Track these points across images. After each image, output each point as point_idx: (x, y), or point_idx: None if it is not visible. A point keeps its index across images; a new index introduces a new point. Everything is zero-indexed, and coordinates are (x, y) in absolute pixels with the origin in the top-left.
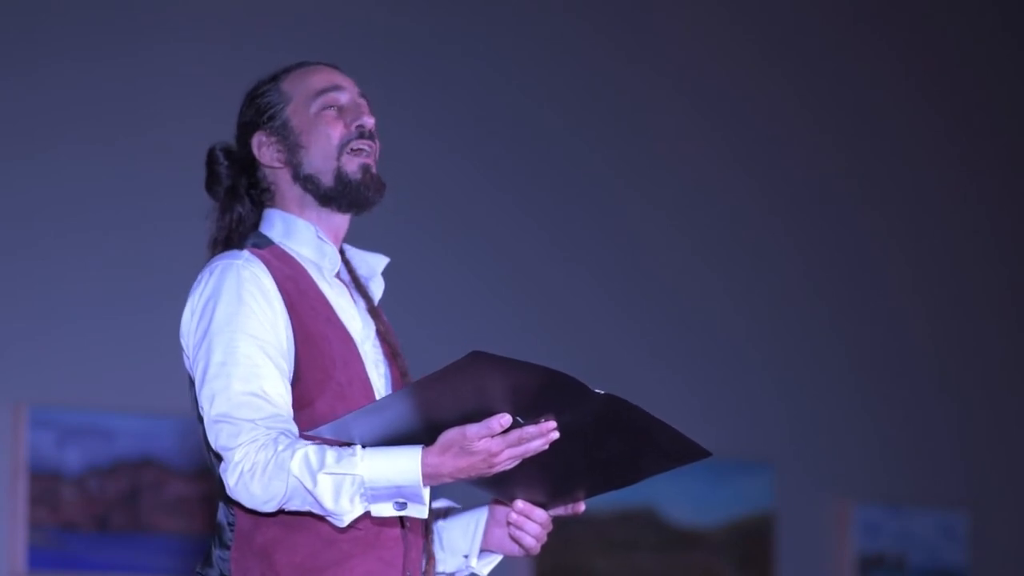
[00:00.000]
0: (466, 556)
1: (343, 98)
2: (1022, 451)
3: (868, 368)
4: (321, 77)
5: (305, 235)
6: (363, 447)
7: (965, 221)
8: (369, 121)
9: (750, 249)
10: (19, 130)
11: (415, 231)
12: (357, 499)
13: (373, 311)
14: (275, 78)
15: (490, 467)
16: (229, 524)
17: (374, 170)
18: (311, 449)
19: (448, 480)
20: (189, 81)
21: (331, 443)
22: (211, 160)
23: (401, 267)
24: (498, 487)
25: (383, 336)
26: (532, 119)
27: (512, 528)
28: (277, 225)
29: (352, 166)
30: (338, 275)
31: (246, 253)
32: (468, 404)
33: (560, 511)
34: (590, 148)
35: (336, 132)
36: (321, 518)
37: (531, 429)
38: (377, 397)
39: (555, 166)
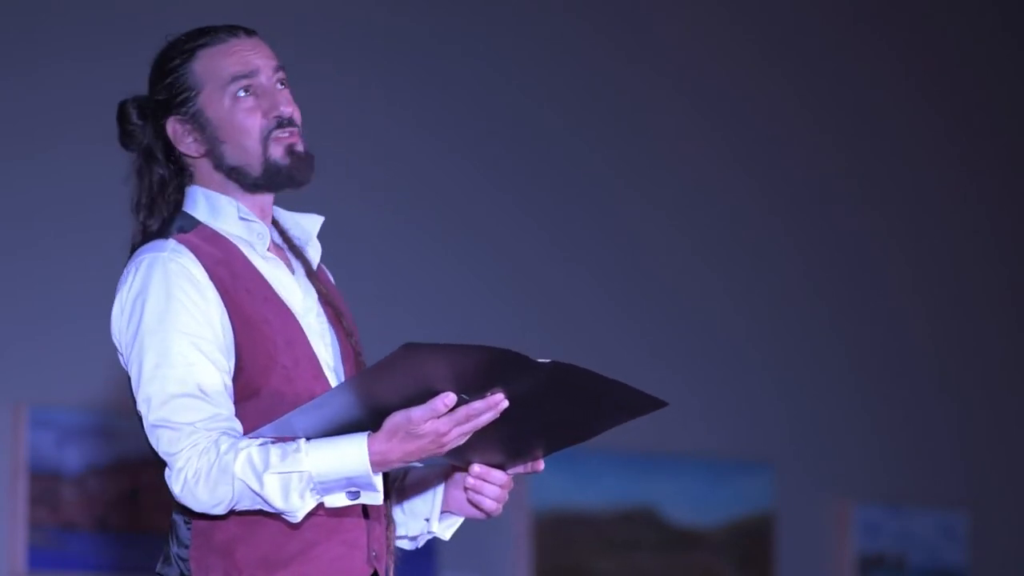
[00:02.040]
0: (427, 519)
1: (257, 82)
2: (1022, 451)
3: (868, 368)
4: (234, 60)
5: (229, 213)
6: (307, 440)
7: (965, 221)
8: (287, 110)
9: (750, 249)
10: (19, 130)
11: (414, 231)
12: (308, 494)
13: (312, 276)
14: (188, 52)
15: (440, 447)
16: (186, 522)
17: (299, 147)
18: (254, 449)
19: (399, 465)
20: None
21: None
22: (123, 118)
23: (401, 267)
24: (453, 455)
25: (326, 300)
26: (532, 119)
27: (470, 492)
28: (200, 203)
29: (278, 152)
30: (272, 247)
31: (172, 243)
32: (410, 388)
33: (520, 470)
34: (589, 148)
35: (254, 125)
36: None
37: (478, 404)
38: (326, 372)
39: (555, 166)
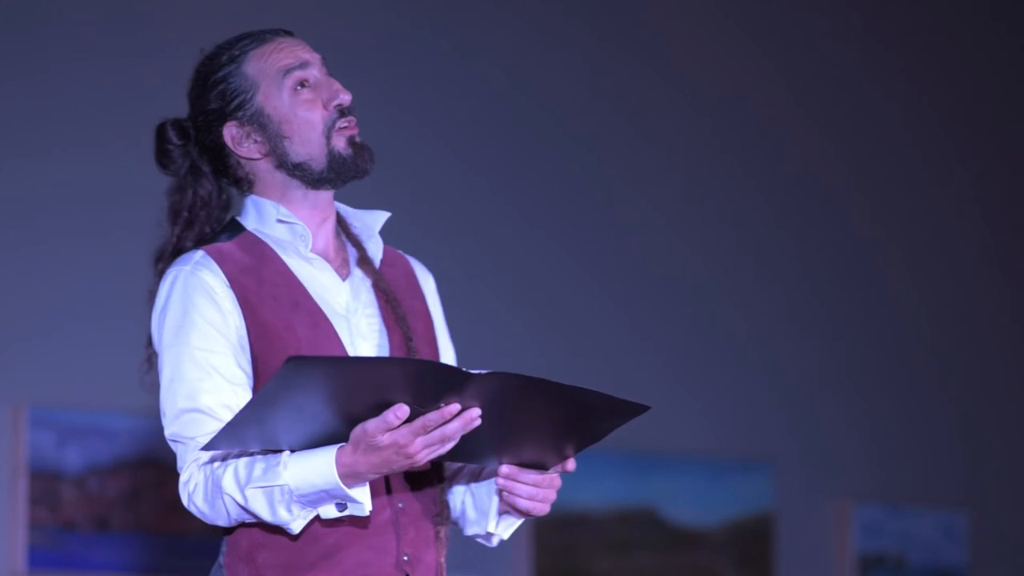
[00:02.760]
0: (486, 519)
1: (311, 75)
2: (1022, 451)
3: (868, 368)
4: (284, 54)
5: (271, 216)
6: (291, 452)
7: (964, 222)
8: (346, 98)
9: (750, 249)
10: (20, 130)
11: (414, 231)
12: (294, 507)
13: (370, 268)
14: (234, 58)
15: (407, 458)
16: (225, 531)
17: (358, 137)
18: (241, 463)
19: (372, 476)
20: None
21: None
22: (162, 138)
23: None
24: (477, 459)
25: (387, 300)
26: (532, 120)
27: (505, 493)
28: (250, 210)
29: (340, 143)
30: (324, 246)
31: (198, 254)
32: (370, 399)
33: (558, 468)
34: (588, 149)
35: (317, 117)
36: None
37: (432, 416)
38: None
39: (554, 167)
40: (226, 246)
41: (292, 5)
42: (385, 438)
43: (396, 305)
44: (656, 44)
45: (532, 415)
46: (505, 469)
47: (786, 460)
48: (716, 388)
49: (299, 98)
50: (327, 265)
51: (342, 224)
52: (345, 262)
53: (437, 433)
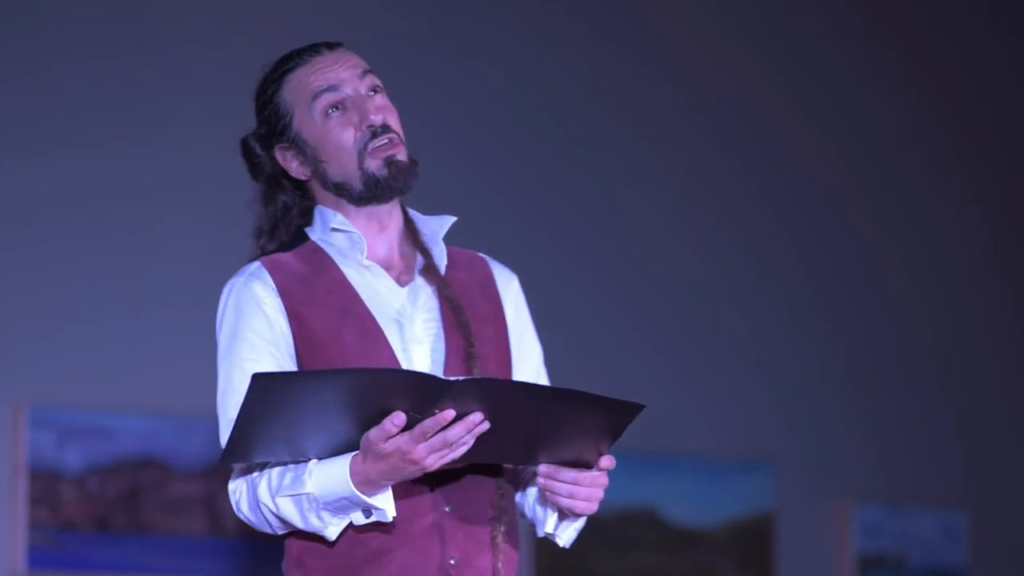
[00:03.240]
0: (543, 523)
1: (342, 95)
2: (1022, 451)
3: (868, 368)
4: (315, 77)
5: (329, 225)
6: (318, 460)
7: (964, 222)
8: (376, 119)
9: (750, 249)
10: (20, 130)
11: None
12: (324, 514)
13: (430, 272)
14: (275, 82)
15: (414, 464)
16: (281, 537)
17: (400, 157)
18: (274, 472)
19: (385, 483)
20: (190, 83)
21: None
22: (247, 152)
23: None
24: (516, 460)
25: (450, 306)
26: (532, 120)
27: (547, 492)
28: (316, 220)
29: (375, 164)
30: (383, 254)
31: (253, 265)
32: (373, 407)
33: (604, 464)
34: (588, 149)
35: (348, 139)
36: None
37: (428, 423)
38: None
39: (555, 168)
40: (284, 256)
41: (292, 5)
42: (387, 445)
43: (459, 311)
44: (656, 44)
45: (543, 418)
46: (544, 468)
47: (786, 460)
48: (716, 388)
49: (329, 122)
50: (383, 272)
51: (411, 230)
52: (409, 268)
53: (439, 438)
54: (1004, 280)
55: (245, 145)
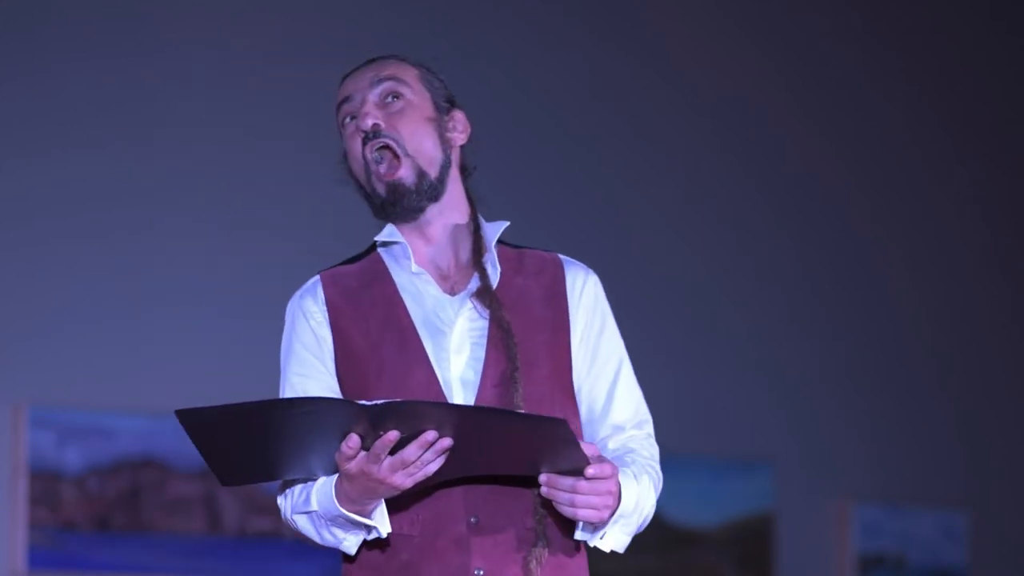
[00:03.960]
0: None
1: (353, 107)
2: (1022, 451)
3: (868, 368)
4: (344, 88)
5: (379, 238)
6: (326, 476)
7: (964, 222)
8: (365, 123)
9: (750, 249)
10: (20, 131)
11: None
12: (336, 530)
13: (483, 294)
14: (336, 99)
15: (381, 483)
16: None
17: (401, 177)
18: (296, 490)
19: (366, 501)
20: (190, 83)
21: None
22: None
23: None
24: (509, 471)
25: (496, 317)
26: (532, 120)
27: (553, 503)
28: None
29: (379, 188)
30: (432, 262)
31: (311, 281)
32: (333, 431)
33: (589, 472)
34: (588, 149)
35: (356, 147)
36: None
37: (377, 444)
38: (445, 389)
39: (555, 168)
40: (345, 268)
41: (292, 5)
42: (351, 467)
43: (505, 325)
44: (656, 44)
45: (491, 433)
46: (544, 477)
47: (786, 460)
48: (716, 388)
49: (346, 133)
50: (431, 280)
51: (477, 239)
52: (465, 278)
53: (396, 458)
54: (1004, 280)
55: None
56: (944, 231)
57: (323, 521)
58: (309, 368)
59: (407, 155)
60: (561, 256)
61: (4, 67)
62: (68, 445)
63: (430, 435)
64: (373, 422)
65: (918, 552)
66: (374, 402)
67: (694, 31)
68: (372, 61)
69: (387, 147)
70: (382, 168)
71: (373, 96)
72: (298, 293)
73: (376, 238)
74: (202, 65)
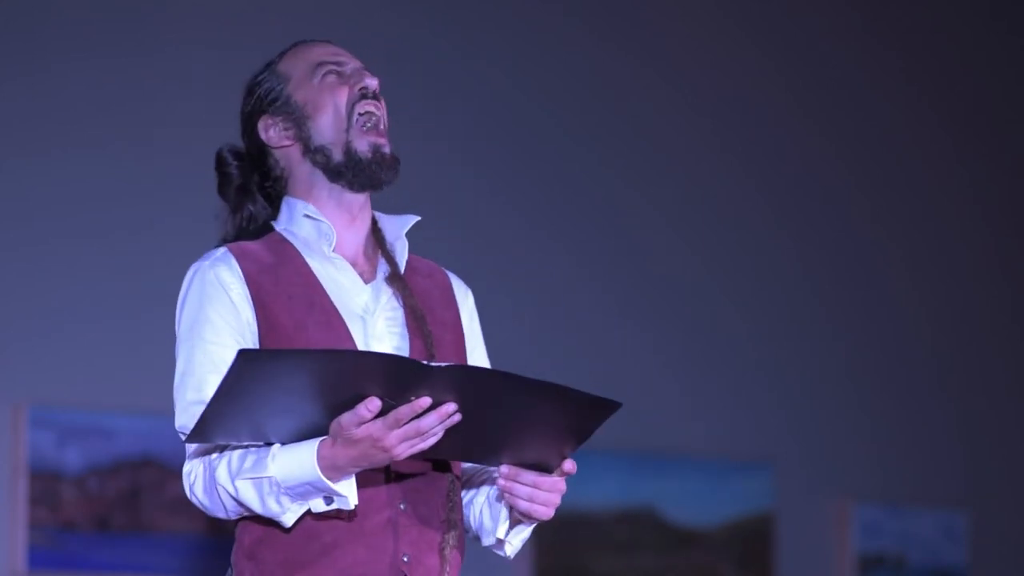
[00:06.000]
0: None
1: (345, 68)
2: (1022, 451)
3: (868, 368)
4: (320, 51)
5: (299, 214)
6: (281, 445)
7: (964, 222)
8: (372, 82)
9: (750, 249)
10: (20, 130)
11: (413, 232)
12: (283, 499)
13: (397, 279)
14: (269, 64)
15: (384, 451)
16: (234, 530)
17: (386, 149)
18: (235, 455)
19: (352, 469)
20: (190, 84)
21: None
22: (220, 163)
23: None
24: (476, 458)
25: (409, 304)
26: (532, 120)
27: (505, 495)
28: (283, 211)
29: (362, 144)
30: (350, 249)
31: (219, 251)
32: (346, 392)
33: (559, 471)
34: (588, 149)
35: (341, 97)
36: (303, 515)
37: (403, 410)
38: None
39: (556, 168)
40: (251, 245)
41: (292, 5)
42: (359, 431)
43: (421, 317)
44: (656, 44)
45: (516, 412)
46: (505, 469)
47: (786, 460)
48: (716, 388)
49: (325, 81)
50: (348, 266)
51: (378, 235)
52: (373, 269)
53: (412, 426)
54: (1004, 280)
55: (219, 158)
56: (944, 231)
57: (278, 488)
58: (224, 338)
59: (387, 136)
60: (442, 267)
61: (4, 67)
62: (68, 445)
63: (451, 406)
64: (410, 385)
65: (918, 552)
66: (438, 364)
67: (694, 31)
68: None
69: (377, 118)
70: (376, 135)
71: (370, 78)
72: (205, 262)
73: (305, 212)
74: (202, 65)
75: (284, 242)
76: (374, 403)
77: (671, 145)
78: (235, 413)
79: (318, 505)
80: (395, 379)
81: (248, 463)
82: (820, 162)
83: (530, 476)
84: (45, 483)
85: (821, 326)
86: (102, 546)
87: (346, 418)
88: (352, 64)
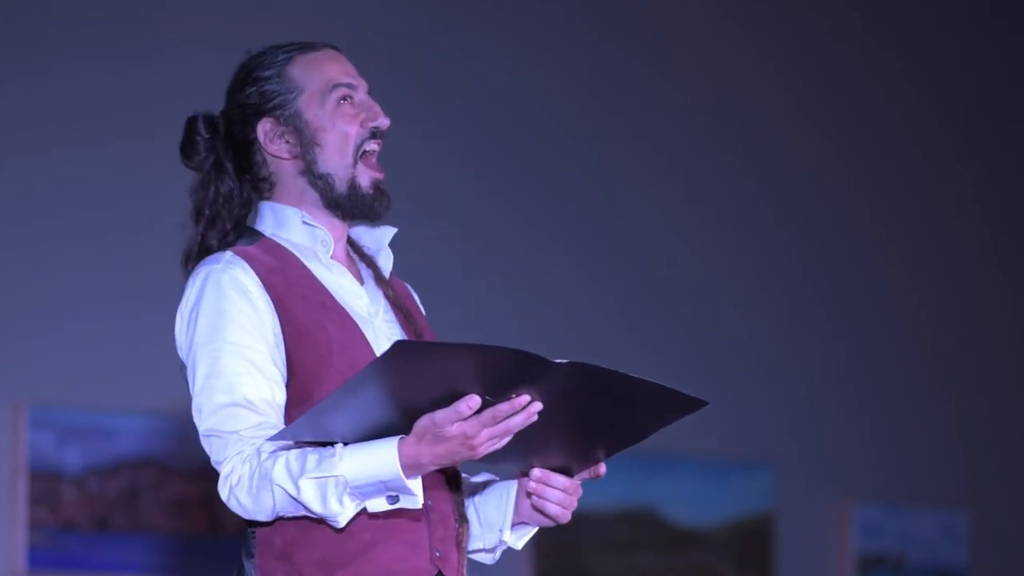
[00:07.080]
0: (500, 530)
1: (357, 95)
2: (1022, 451)
3: (868, 368)
4: (336, 68)
5: (293, 221)
6: (344, 444)
7: (964, 222)
8: (385, 123)
9: (750, 249)
10: (20, 130)
11: (413, 232)
12: (346, 499)
13: (382, 283)
14: (279, 60)
15: (471, 449)
16: (251, 532)
17: (383, 184)
18: (292, 455)
19: (432, 468)
20: (190, 83)
21: (315, 446)
22: (191, 129)
23: (403, 271)
24: (512, 459)
25: (396, 305)
26: (532, 120)
27: (534, 498)
28: (267, 216)
29: (365, 180)
30: (341, 257)
31: (228, 254)
32: (437, 390)
33: (585, 475)
34: (588, 149)
35: (352, 129)
36: None
37: (503, 407)
38: None
39: (556, 169)
40: (250, 249)
41: (292, 5)
42: (454, 428)
43: (408, 314)
44: (656, 44)
45: (603, 411)
46: (537, 473)
47: (786, 460)
48: (716, 388)
49: (341, 110)
50: (345, 271)
51: (353, 246)
52: (359, 275)
53: (502, 425)
54: (1004, 280)
55: (192, 123)
56: (944, 231)
57: (344, 487)
58: (250, 339)
59: None
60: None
61: (4, 67)
62: (68, 445)
63: (538, 405)
64: (519, 382)
65: (918, 552)
66: (559, 360)
67: (694, 31)
68: (341, 52)
69: (377, 154)
70: (379, 171)
71: (383, 118)
72: (216, 264)
73: (303, 220)
74: (202, 65)
75: (279, 247)
76: (474, 400)
77: (671, 145)
78: (346, 410)
79: (378, 504)
80: (507, 376)
81: (311, 463)
82: (820, 162)
83: (560, 480)
84: (45, 483)
85: (821, 326)
86: (102, 546)
87: (442, 415)
88: (361, 89)
